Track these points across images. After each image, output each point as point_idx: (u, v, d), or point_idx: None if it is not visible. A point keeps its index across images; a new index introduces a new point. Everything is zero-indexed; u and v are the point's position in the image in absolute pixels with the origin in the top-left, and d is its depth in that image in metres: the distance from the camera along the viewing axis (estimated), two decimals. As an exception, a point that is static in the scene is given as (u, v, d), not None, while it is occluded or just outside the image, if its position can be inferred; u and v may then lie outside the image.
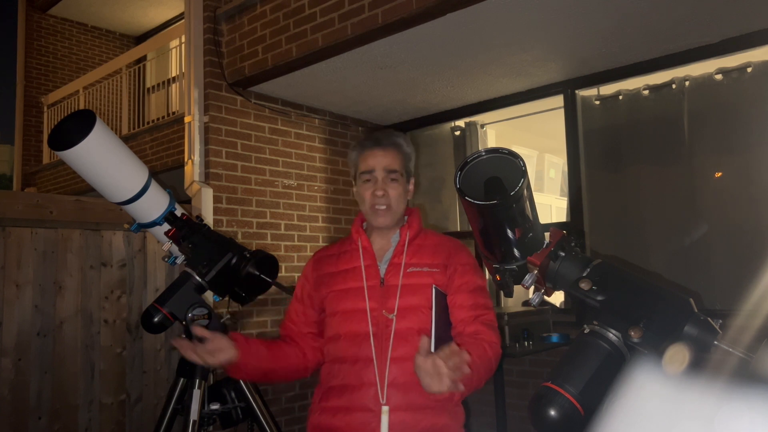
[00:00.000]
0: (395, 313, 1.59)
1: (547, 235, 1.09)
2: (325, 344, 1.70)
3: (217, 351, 1.53)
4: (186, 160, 3.88)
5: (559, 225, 4.21)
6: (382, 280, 1.64)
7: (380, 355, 1.57)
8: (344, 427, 1.56)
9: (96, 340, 3.16)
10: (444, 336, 1.57)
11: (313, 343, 1.74)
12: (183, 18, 4.27)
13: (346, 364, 1.61)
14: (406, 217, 1.76)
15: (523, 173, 1.01)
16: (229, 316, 2.20)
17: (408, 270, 1.65)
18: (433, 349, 1.52)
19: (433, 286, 1.60)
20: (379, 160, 1.68)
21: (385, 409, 1.52)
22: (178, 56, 6.17)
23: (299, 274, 1.96)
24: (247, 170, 4.00)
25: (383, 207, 1.67)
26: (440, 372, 1.20)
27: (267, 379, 1.87)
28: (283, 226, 4.17)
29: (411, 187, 1.75)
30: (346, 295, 1.66)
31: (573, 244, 1.06)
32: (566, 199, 4.38)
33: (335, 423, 1.58)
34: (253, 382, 1.98)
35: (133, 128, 6.46)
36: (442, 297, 1.62)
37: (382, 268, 1.67)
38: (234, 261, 2.06)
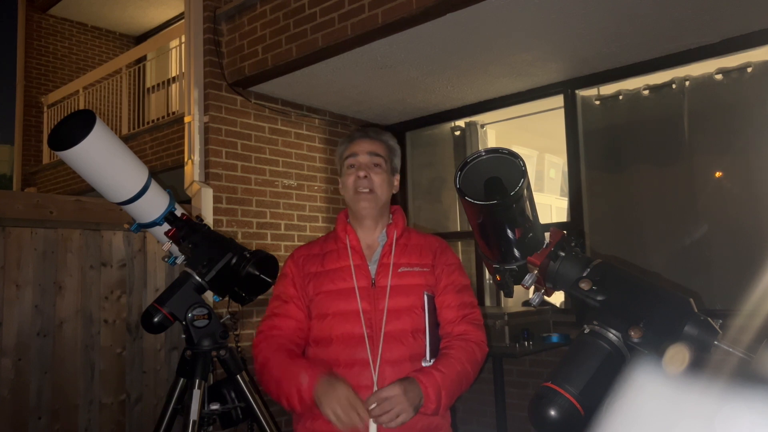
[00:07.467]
0: (385, 315, 1.58)
1: (547, 235, 1.09)
2: (311, 347, 1.63)
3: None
4: (186, 160, 3.88)
5: (559, 225, 4.21)
6: (373, 281, 1.62)
7: (374, 357, 1.56)
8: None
9: (96, 340, 3.16)
10: (435, 339, 1.61)
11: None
12: (183, 18, 4.27)
13: (339, 367, 1.57)
14: (391, 216, 1.76)
15: (523, 173, 1.01)
16: (229, 316, 2.20)
17: (398, 270, 1.64)
18: (427, 354, 1.57)
19: (425, 293, 1.61)
20: (364, 146, 1.68)
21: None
22: (178, 56, 6.17)
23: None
24: (247, 170, 4.00)
25: (366, 190, 1.65)
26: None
27: None
28: (283, 226, 4.17)
29: (396, 183, 1.75)
30: (338, 297, 1.62)
31: (573, 244, 1.06)
32: (566, 199, 4.38)
33: (333, 428, 1.51)
34: None
35: (133, 128, 6.46)
36: (432, 301, 1.63)
37: (372, 269, 1.65)
38: (234, 261, 2.06)
